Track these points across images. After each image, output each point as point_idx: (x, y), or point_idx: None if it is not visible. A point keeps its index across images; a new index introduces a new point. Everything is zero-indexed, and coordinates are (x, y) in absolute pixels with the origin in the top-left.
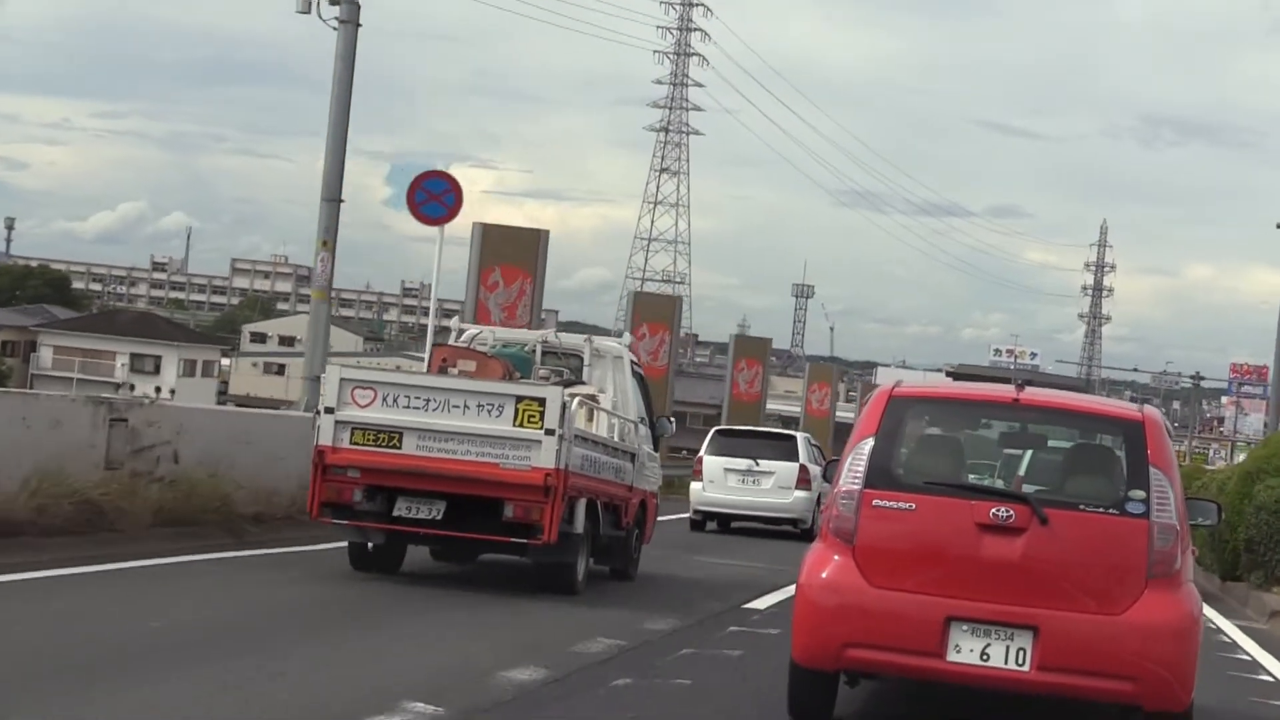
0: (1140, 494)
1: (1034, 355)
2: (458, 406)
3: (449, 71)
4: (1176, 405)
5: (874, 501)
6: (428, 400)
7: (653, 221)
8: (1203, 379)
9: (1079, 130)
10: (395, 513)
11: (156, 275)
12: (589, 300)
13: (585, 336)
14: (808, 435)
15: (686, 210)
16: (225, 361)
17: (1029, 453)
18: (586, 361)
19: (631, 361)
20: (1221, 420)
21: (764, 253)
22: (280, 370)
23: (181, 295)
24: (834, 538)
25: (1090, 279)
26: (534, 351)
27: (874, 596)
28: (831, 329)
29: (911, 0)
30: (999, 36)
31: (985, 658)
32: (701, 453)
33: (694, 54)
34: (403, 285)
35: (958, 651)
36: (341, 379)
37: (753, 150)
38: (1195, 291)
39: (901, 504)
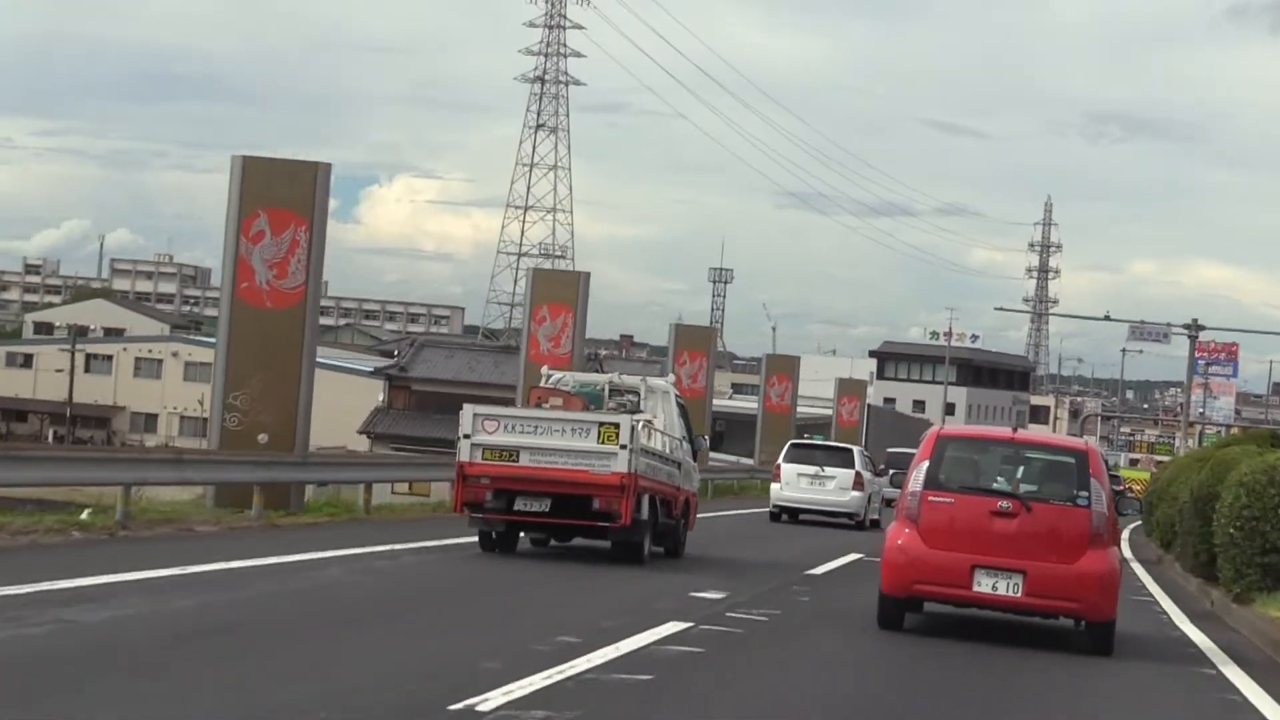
0: (1085, 494)
1: (975, 338)
2: (558, 430)
3: (389, 81)
4: (1130, 395)
5: (929, 498)
6: (536, 427)
7: (529, 187)
8: (1202, 327)
9: (1025, 128)
10: (515, 507)
11: (30, 279)
12: None
13: (641, 378)
14: (862, 448)
15: (567, 173)
16: None
17: (1020, 468)
18: (642, 396)
19: (675, 395)
20: (1181, 407)
21: (708, 256)
22: (26, 362)
23: (58, 300)
24: (906, 519)
25: (1035, 260)
26: (603, 390)
27: (930, 554)
28: (774, 329)
29: (851, 3)
30: (942, 37)
31: (995, 589)
32: (780, 460)
33: None
34: None
35: (979, 585)
36: (475, 414)
37: (698, 154)
38: (1139, 287)
39: (946, 499)
